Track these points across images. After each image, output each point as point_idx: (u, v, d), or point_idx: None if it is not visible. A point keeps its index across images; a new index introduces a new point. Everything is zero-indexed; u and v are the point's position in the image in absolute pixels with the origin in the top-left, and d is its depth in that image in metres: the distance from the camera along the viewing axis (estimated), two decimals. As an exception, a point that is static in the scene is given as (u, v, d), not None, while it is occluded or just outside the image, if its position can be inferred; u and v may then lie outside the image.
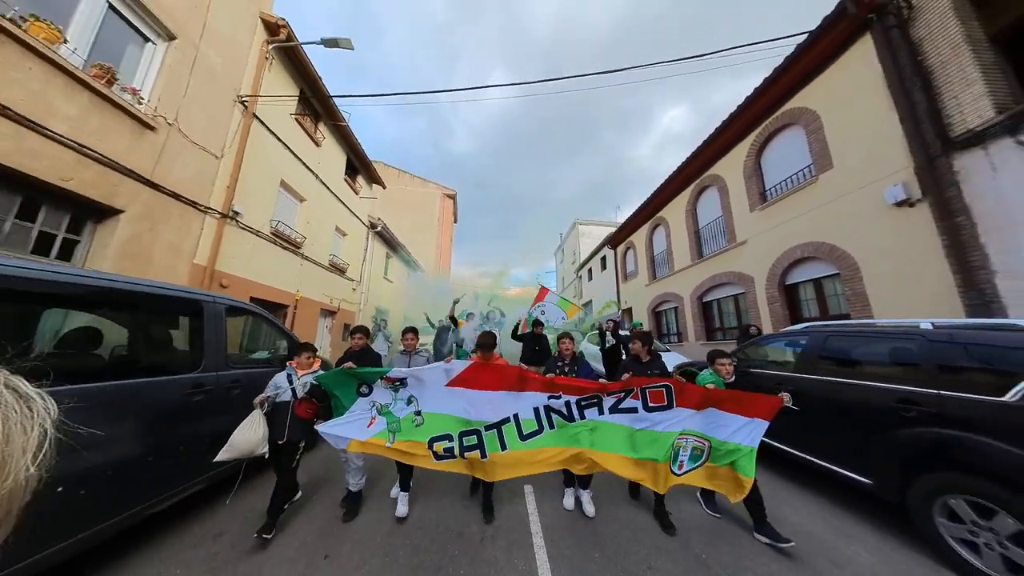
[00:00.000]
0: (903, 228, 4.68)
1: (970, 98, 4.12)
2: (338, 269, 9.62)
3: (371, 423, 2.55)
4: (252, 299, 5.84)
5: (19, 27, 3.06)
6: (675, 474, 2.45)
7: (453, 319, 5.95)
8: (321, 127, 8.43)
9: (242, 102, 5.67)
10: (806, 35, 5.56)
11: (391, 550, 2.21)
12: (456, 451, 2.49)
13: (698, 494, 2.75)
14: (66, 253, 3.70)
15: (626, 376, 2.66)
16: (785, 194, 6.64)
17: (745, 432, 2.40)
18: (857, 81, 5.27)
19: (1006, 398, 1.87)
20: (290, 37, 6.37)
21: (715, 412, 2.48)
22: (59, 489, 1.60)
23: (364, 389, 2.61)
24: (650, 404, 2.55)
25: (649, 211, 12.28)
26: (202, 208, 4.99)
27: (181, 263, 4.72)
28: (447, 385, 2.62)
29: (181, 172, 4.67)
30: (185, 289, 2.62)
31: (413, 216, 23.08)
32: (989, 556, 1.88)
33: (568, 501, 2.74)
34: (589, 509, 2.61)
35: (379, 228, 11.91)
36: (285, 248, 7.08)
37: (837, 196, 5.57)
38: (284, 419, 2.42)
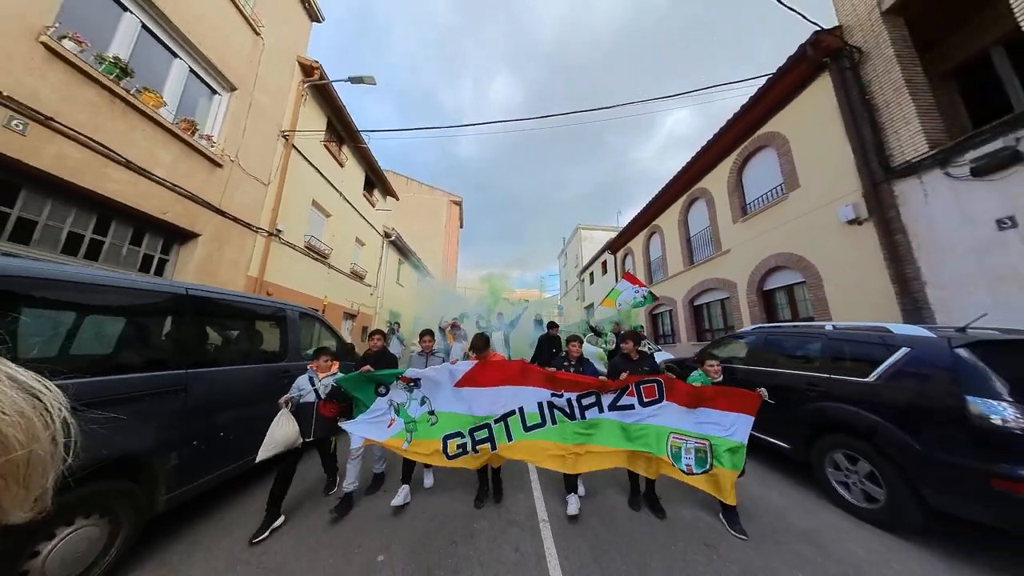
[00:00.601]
0: (854, 243, 5.39)
1: (908, 134, 4.84)
2: (358, 276, 10.55)
3: (390, 424, 2.70)
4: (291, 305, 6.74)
5: (136, 98, 3.99)
6: (684, 473, 2.53)
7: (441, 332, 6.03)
8: (344, 149, 9.38)
9: (284, 136, 6.61)
10: (775, 71, 6.32)
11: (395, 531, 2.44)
12: (469, 447, 2.64)
13: (720, 515, 2.56)
14: (159, 270, 4.62)
15: (624, 375, 2.75)
16: (762, 208, 7.36)
17: (737, 427, 2.50)
18: (819, 112, 6.00)
19: (868, 379, 2.63)
20: (322, 76, 7.32)
21: (707, 411, 2.58)
22: (194, 443, 2.37)
23: (382, 389, 2.78)
24: (644, 399, 2.67)
25: (646, 219, 13.00)
26: (254, 229, 5.91)
27: (239, 276, 5.63)
28: (455, 386, 2.77)
29: (240, 200, 5.59)
30: (275, 301, 3.50)
31: (421, 222, 24.01)
32: (855, 491, 2.64)
33: (572, 508, 2.57)
34: (572, 508, 2.56)
35: (393, 237, 12.85)
36: (315, 259, 8.01)
37: (803, 213, 6.29)
38: (310, 418, 2.61)
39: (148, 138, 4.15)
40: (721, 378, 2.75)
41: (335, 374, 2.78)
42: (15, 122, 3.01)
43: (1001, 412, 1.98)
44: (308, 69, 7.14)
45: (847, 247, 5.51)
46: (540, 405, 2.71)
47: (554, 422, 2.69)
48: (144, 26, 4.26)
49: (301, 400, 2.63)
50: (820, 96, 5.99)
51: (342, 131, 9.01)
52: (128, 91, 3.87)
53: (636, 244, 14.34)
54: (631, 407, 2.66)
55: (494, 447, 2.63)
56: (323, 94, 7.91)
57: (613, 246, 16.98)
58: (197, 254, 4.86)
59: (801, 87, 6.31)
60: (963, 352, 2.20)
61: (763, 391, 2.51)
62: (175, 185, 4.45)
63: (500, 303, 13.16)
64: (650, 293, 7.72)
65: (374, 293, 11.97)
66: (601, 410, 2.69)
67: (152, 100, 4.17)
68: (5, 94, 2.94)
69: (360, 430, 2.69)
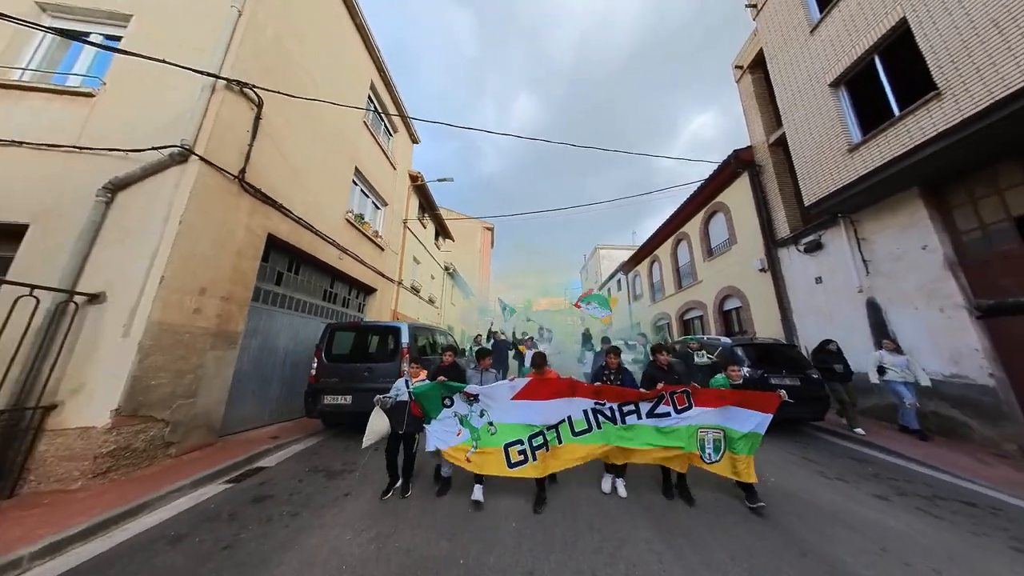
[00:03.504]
0: (763, 284, 8.59)
1: (779, 221, 8.10)
2: (431, 302, 14.66)
3: (458, 434, 3.01)
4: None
5: (362, 227, 8.13)
6: (705, 462, 2.91)
7: (515, 343, 8.56)
8: (426, 217, 13.62)
9: (405, 223, 10.80)
10: (718, 166, 9.70)
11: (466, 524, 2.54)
12: (528, 453, 2.92)
13: (744, 500, 2.91)
14: (360, 310, 8.73)
15: (660, 385, 3.04)
16: (719, 254, 10.60)
17: (756, 423, 2.89)
18: (744, 197, 9.29)
19: (714, 357, 6.00)
20: (421, 180, 11.53)
21: (733, 409, 2.96)
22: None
23: (447, 401, 3.05)
24: (678, 407, 2.96)
25: (649, 249, 16.29)
26: (394, 282, 10.04)
27: (387, 311, 9.70)
28: (512, 399, 3.01)
29: (389, 265, 9.72)
30: (416, 323, 7.38)
31: (460, 246, 28.37)
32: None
33: (606, 485, 3.12)
34: (622, 491, 3.05)
35: (452, 270, 16.98)
36: (414, 294, 12.13)
37: (740, 260, 9.52)
38: (403, 415, 3.01)
39: (364, 242, 8.29)
40: (741, 381, 3.11)
41: (423, 380, 3.15)
42: (340, 255, 7.13)
43: (745, 372, 5.34)
44: (414, 178, 11.39)
45: (760, 286, 8.72)
46: (586, 412, 3.04)
47: (599, 427, 3.03)
48: (362, 191, 8.49)
49: (397, 398, 3.06)
50: (743, 187, 9.30)
51: (426, 206, 13.25)
52: (361, 226, 8.03)
53: (643, 268, 17.59)
54: (667, 415, 2.99)
55: (548, 449, 2.97)
56: (421, 188, 12.15)
57: (625, 268, 20.24)
58: (375, 300, 8.96)
59: (732, 178, 9.65)
60: (732, 346, 5.60)
61: (783, 393, 2.84)
62: (372, 265, 8.58)
63: (527, 310, 16.93)
64: (597, 297, 9.05)
65: (440, 313, 16.06)
66: (640, 417, 3.00)
67: (367, 227, 8.33)
68: (335, 239, 7.03)
69: (436, 432, 3.04)
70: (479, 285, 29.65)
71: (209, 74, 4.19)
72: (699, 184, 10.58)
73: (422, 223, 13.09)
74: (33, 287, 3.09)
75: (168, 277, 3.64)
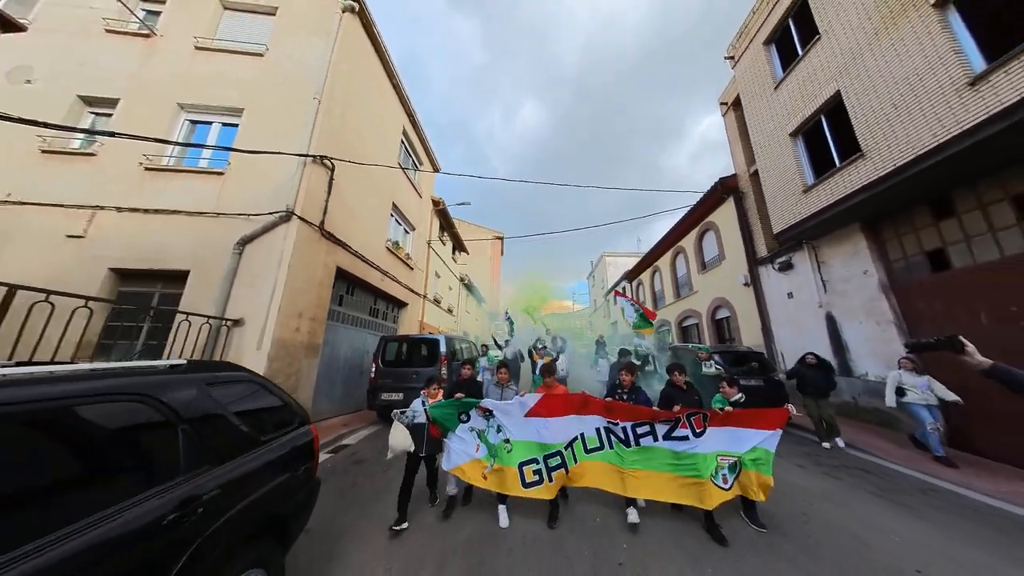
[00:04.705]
0: (747, 297, 9.70)
1: (759, 242, 9.24)
2: (449, 311, 16.10)
3: (477, 449, 3.04)
4: (429, 333, 12.23)
5: (399, 253, 9.59)
6: (723, 489, 2.76)
7: (530, 353, 10.95)
8: (445, 235, 15.11)
9: (428, 243, 12.28)
10: (707, 190, 10.88)
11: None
12: (544, 473, 2.91)
13: (741, 513, 2.94)
14: (395, 322, 10.18)
15: (677, 408, 2.92)
16: (711, 267, 11.73)
17: (768, 441, 2.79)
18: (731, 218, 10.43)
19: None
20: (442, 205, 13.02)
21: (749, 431, 2.83)
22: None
23: (464, 417, 3.09)
24: (696, 430, 2.86)
25: (651, 260, 17.42)
26: (422, 296, 11.50)
27: (415, 322, 11.14)
28: (525, 416, 3.03)
29: (417, 282, 11.18)
30: (458, 335, 8.76)
31: (472, 255, 29.94)
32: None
33: (632, 517, 2.86)
34: (634, 517, 2.84)
35: (467, 281, 18.43)
36: (436, 305, 13.58)
37: (728, 274, 10.64)
38: (422, 436, 2.99)
39: (399, 265, 9.76)
40: (738, 397, 3.03)
41: (440, 401, 3.09)
42: (382, 277, 8.59)
43: (712, 366, 6.49)
44: (436, 202, 12.91)
45: (745, 299, 9.83)
46: (598, 430, 2.98)
47: (611, 447, 2.95)
48: (396, 220, 10.00)
49: (415, 420, 2.97)
50: (730, 209, 10.45)
51: (445, 225, 14.75)
52: (397, 251, 9.51)
53: (645, 277, 18.70)
54: (685, 438, 2.86)
55: (567, 471, 2.92)
56: (442, 210, 13.65)
57: (629, 276, 21.35)
58: (406, 314, 10.41)
59: (720, 202, 10.81)
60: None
61: (791, 407, 2.83)
62: (405, 283, 10.03)
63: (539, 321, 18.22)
64: (641, 314, 7.85)
65: (456, 320, 17.49)
66: (656, 439, 2.89)
67: (401, 251, 9.82)
68: (379, 264, 8.48)
69: (455, 447, 3.02)
70: (490, 291, 31.10)
71: (303, 154, 5.69)
72: (690, 207, 11.77)
73: (442, 241, 14.58)
74: (207, 316, 4.59)
75: (283, 306, 5.10)
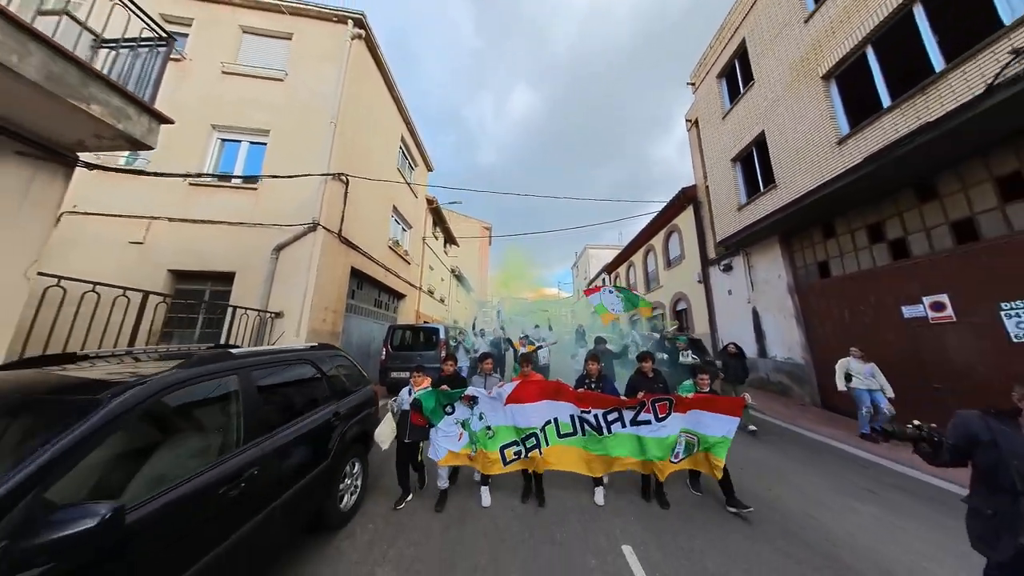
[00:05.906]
0: (699, 293, 11.40)
1: (711, 246, 10.87)
2: (441, 301, 17.35)
3: (460, 437, 3.24)
4: (424, 321, 13.51)
5: (399, 251, 10.73)
6: (672, 463, 3.16)
7: (510, 341, 12.87)
8: (437, 230, 16.18)
9: (424, 240, 13.39)
10: (672, 197, 12.38)
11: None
12: (523, 453, 3.20)
13: (687, 480, 3.48)
14: (394, 312, 11.41)
15: (641, 394, 3.20)
16: (675, 265, 13.39)
17: (724, 427, 3.12)
18: (690, 223, 12.01)
19: (686, 361, 8.84)
20: (436, 203, 14.08)
21: (700, 413, 3.18)
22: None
23: (449, 409, 3.24)
24: (659, 415, 3.15)
25: (626, 255, 19.06)
26: (418, 288, 12.70)
27: (412, 312, 12.38)
28: (504, 404, 3.26)
29: (414, 275, 12.36)
30: (449, 324, 10.11)
31: (461, 245, 30.94)
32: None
33: (599, 497, 3.22)
34: (599, 499, 3.19)
35: (457, 272, 19.62)
36: (430, 296, 14.81)
37: (687, 272, 12.31)
38: (406, 424, 3.15)
39: (399, 261, 10.92)
40: (708, 389, 3.32)
41: (425, 388, 3.22)
42: (385, 273, 9.77)
43: (688, 357, 8.13)
44: (430, 201, 13.94)
45: (698, 294, 11.53)
46: (572, 417, 3.25)
47: (583, 433, 3.23)
48: (396, 220, 11.07)
49: (402, 408, 3.17)
50: (689, 215, 12.01)
51: (437, 221, 15.82)
52: (397, 249, 10.65)
53: (622, 270, 20.39)
54: (648, 423, 3.16)
55: (540, 451, 3.20)
56: (435, 208, 14.68)
57: (608, 269, 23.02)
58: (404, 304, 11.64)
59: (681, 209, 12.36)
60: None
61: (747, 396, 3.25)
62: (405, 278, 11.22)
63: (532, 314, 19.68)
64: (622, 290, 8.58)
65: (448, 309, 18.78)
66: (624, 425, 3.19)
67: (400, 248, 10.96)
68: (382, 262, 9.64)
69: (439, 438, 3.19)
70: (478, 279, 32.35)
71: (325, 174, 6.76)
72: (661, 209, 13.31)
73: (435, 235, 15.67)
74: (257, 309, 5.77)
75: (313, 302, 6.30)
